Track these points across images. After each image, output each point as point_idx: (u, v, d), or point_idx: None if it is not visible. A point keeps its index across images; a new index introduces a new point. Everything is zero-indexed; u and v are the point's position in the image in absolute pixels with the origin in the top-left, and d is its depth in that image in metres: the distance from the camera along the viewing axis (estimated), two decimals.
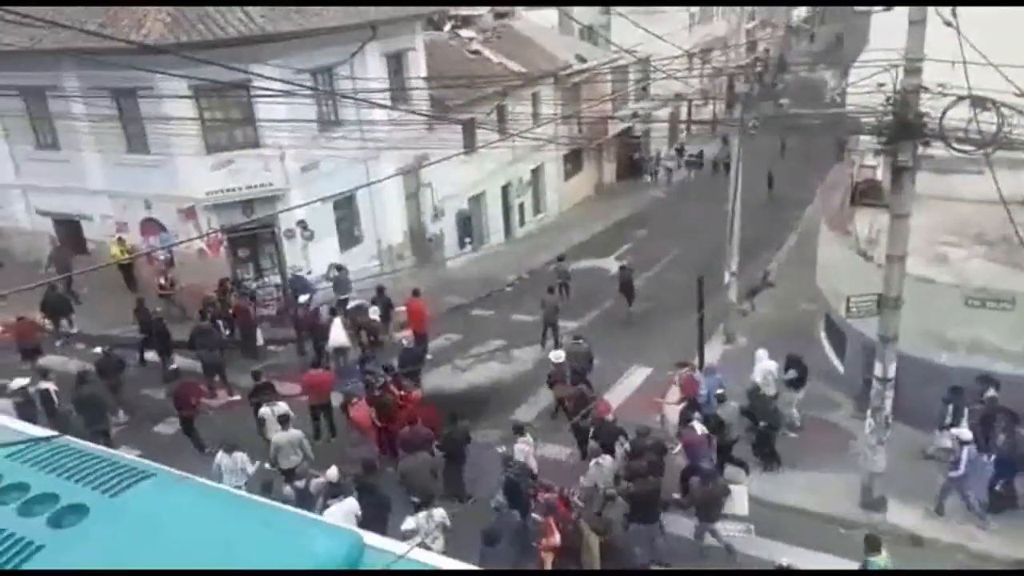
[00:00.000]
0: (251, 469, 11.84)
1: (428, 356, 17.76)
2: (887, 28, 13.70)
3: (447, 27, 31.72)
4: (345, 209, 21.90)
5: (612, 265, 24.67)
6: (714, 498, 11.19)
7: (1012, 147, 9.84)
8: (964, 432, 11.93)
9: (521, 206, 29.69)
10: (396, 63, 23.41)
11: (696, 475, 11.49)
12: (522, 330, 19.47)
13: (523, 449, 12.17)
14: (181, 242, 18.69)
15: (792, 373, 14.21)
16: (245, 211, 19.49)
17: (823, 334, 17.00)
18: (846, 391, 14.79)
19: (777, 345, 17.29)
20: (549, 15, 39.05)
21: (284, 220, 19.66)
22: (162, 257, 20.07)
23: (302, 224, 19.87)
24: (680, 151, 35.97)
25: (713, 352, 17.61)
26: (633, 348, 18.29)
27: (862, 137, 16.25)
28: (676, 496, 11.97)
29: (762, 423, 13.09)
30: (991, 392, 12.56)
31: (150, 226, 20.56)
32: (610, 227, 29.68)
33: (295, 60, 18.61)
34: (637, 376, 17.21)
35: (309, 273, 20.29)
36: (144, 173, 19.80)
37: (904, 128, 10.24)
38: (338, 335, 16.98)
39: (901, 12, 10.86)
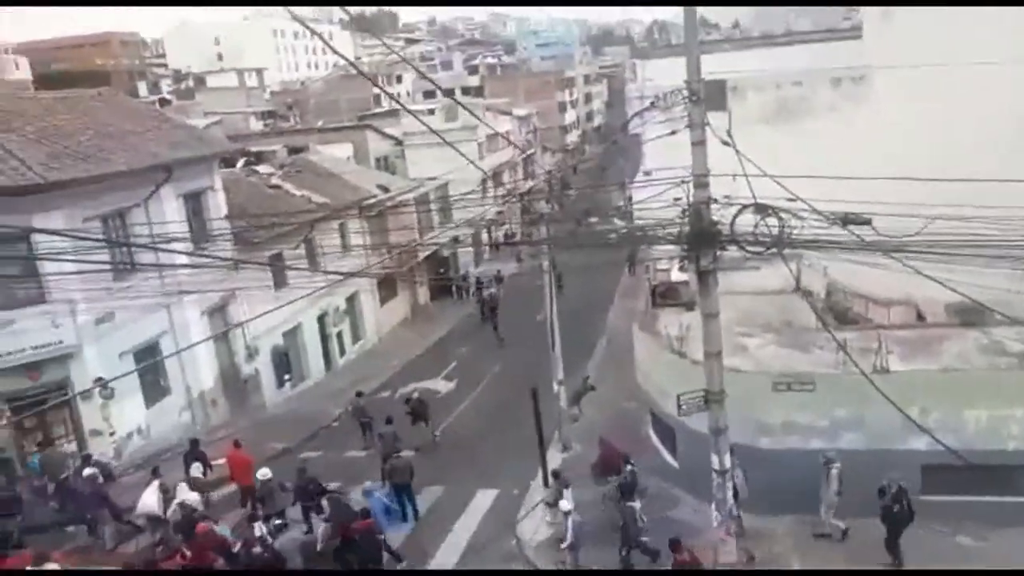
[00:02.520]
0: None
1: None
2: (660, 148, 15.10)
3: (239, 164, 30.99)
4: (149, 359, 19.92)
5: (441, 386, 24.36)
6: None
7: (793, 246, 10.89)
8: (564, 503, 13.26)
9: (339, 335, 28.69)
10: (195, 203, 22.27)
11: None
12: (357, 468, 18.33)
13: None
14: None
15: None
16: (30, 374, 17.12)
17: (651, 431, 17.51)
18: (685, 485, 15.12)
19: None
20: (347, 150, 39.56)
21: (80, 379, 17.44)
22: None
23: (100, 381, 17.72)
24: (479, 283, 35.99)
25: (554, 462, 17.51)
26: (474, 470, 17.83)
27: (654, 246, 17.53)
28: None
29: None
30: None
31: None
32: (431, 347, 29.44)
33: (83, 207, 17.13)
34: (484, 499, 16.65)
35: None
36: None
37: (703, 236, 11.05)
38: (149, 500, 14.92)
39: (681, 135, 11.93)
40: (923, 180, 10.91)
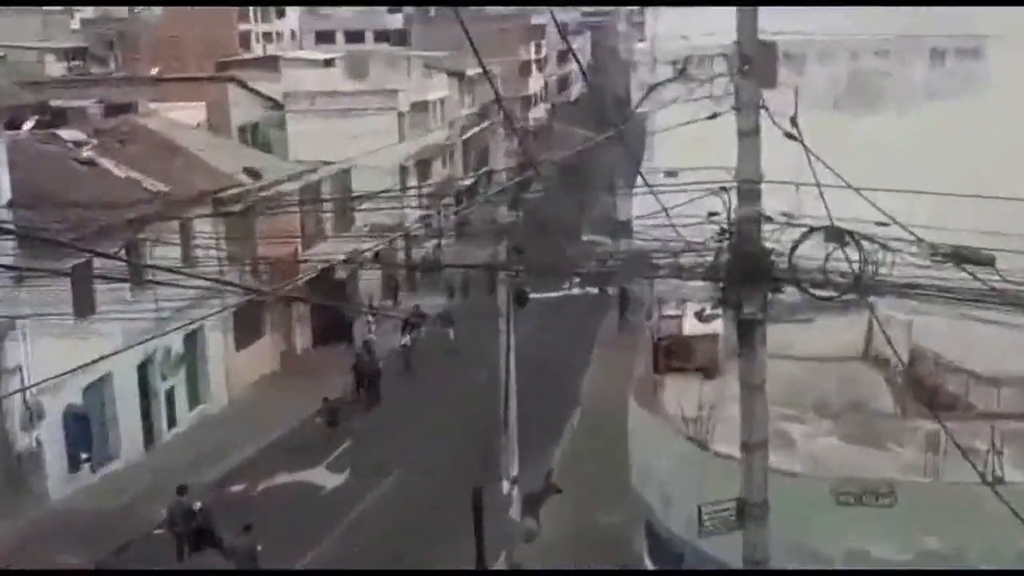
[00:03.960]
0: None
1: None
2: (671, 141, 15.27)
3: (28, 125, 30.32)
4: None
5: (325, 479, 24.02)
6: None
7: (880, 291, 10.98)
8: None
9: (170, 393, 28.17)
10: None
11: None
12: None
13: None
14: None
15: None
16: None
17: (646, 554, 17.44)
18: None
19: None
20: (197, 113, 38.92)
21: None
22: None
23: None
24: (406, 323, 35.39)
25: None
26: None
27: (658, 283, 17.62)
28: None
29: None
30: None
31: None
32: (312, 418, 28.87)
33: None
34: None
35: None
36: None
37: (750, 270, 11.05)
38: None
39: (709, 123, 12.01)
40: None
